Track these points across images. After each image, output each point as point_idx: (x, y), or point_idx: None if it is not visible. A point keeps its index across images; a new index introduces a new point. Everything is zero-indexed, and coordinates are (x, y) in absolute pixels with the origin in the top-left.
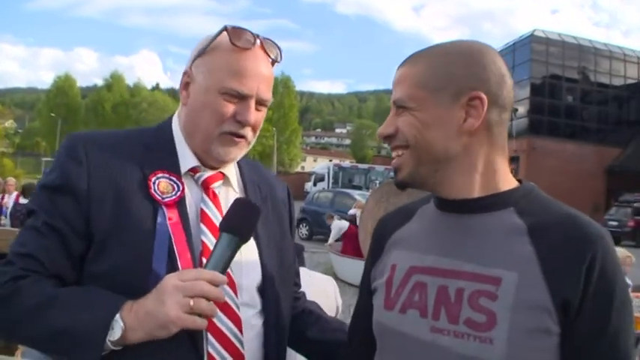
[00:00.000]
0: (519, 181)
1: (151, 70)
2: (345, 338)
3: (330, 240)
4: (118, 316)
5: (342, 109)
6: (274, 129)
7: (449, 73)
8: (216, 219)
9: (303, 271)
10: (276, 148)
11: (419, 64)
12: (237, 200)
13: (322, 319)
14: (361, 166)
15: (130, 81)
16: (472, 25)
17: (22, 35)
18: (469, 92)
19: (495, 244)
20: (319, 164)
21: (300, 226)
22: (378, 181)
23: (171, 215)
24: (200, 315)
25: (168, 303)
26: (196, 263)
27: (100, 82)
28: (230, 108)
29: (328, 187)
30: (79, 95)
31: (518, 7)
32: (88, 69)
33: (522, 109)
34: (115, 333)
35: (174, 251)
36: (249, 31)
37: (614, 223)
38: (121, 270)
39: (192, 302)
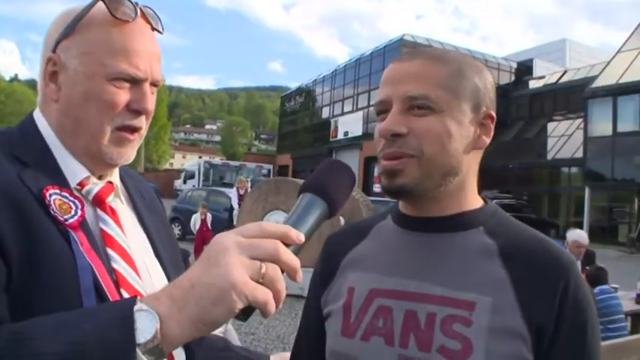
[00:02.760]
0: (484, 200)
1: (8, 61)
2: (231, 357)
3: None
4: (140, 304)
5: (212, 105)
6: None
7: (474, 84)
8: (122, 240)
9: None
10: (144, 144)
11: (445, 65)
12: (327, 161)
13: (206, 338)
14: (232, 163)
15: None
16: (341, 26)
17: None
18: (485, 109)
19: (467, 267)
20: (189, 161)
21: (172, 225)
22: (249, 179)
23: (82, 240)
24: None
25: (228, 261)
26: (122, 297)
27: None
28: (122, 96)
29: (199, 184)
30: None
31: (385, 10)
32: None
33: None
34: (146, 329)
35: (100, 284)
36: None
37: None
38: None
39: (264, 268)
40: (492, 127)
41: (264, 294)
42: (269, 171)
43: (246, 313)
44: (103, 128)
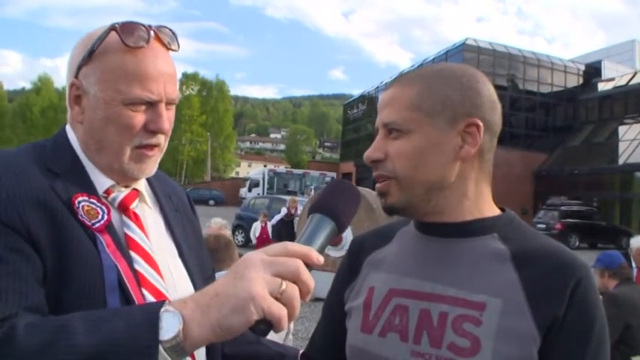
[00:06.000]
0: (502, 209)
1: None
2: (261, 350)
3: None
4: (167, 306)
5: (276, 114)
6: (208, 134)
7: (445, 96)
8: (144, 243)
9: None
10: (210, 154)
11: (412, 86)
12: (334, 182)
13: None
14: (296, 171)
15: (58, 84)
16: (401, 32)
17: None
18: (466, 118)
19: (479, 270)
20: (254, 170)
21: (236, 232)
22: (313, 187)
23: (108, 242)
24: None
25: (251, 276)
26: (144, 298)
27: (27, 85)
28: (139, 118)
29: (263, 192)
30: (6, 99)
31: (445, 14)
32: (14, 71)
33: None
34: (170, 328)
35: (125, 284)
36: (141, 24)
37: (542, 226)
38: (70, 311)
39: (284, 285)
40: (479, 134)
41: (279, 309)
42: (332, 179)
43: (265, 327)
44: (123, 148)
